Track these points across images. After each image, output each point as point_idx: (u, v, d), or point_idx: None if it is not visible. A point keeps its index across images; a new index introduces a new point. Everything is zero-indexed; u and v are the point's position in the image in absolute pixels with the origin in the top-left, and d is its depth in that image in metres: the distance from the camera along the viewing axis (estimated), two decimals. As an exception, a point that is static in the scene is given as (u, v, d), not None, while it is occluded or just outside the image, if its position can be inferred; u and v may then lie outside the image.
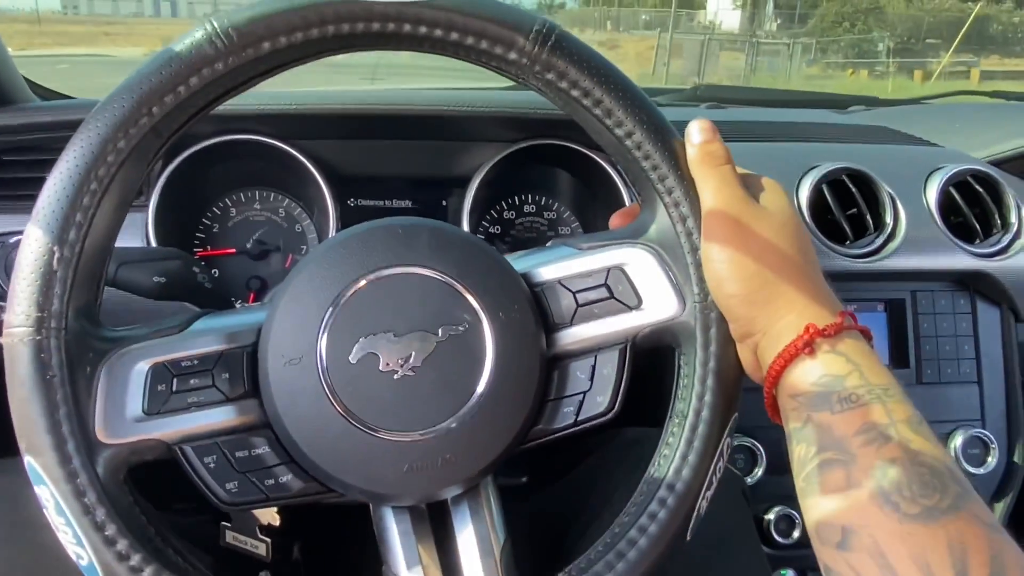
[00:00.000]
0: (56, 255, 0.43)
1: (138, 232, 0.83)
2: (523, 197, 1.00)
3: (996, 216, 0.94)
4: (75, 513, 0.43)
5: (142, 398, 0.46)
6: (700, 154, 0.48)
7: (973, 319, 0.94)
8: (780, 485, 0.88)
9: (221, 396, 0.48)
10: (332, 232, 0.90)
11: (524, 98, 0.93)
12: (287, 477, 0.49)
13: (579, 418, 0.51)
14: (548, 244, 0.55)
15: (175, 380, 0.47)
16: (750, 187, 0.49)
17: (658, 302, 0.50)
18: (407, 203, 0.97)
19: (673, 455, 0.48)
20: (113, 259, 0.51)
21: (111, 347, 0.47)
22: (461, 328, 0.48)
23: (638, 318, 0.51)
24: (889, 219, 0.90)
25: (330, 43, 0.45)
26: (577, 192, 0.99)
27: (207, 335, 0.49)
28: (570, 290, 0.51)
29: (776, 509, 0.89)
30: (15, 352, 0.43)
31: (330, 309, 0.47)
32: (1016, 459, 0.92)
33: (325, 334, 0.47)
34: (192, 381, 0.47)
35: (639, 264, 0.51)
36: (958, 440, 0.90)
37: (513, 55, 0.46)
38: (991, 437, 0.91)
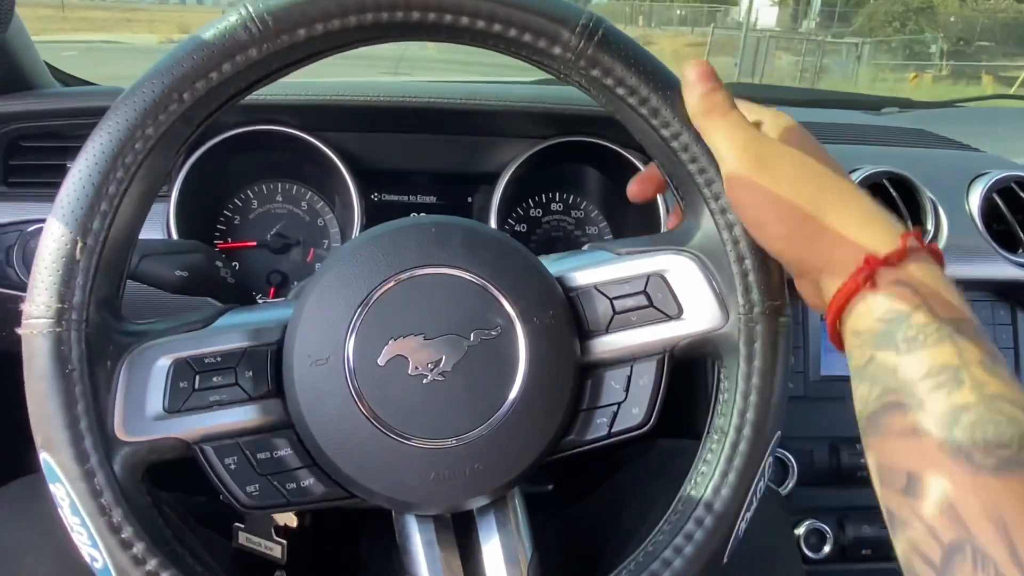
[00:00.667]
0: (79, 245, 0.42)
1: (159, 223, 0.82)
2: (551, 195, 0.97)
3: (1041, 225, 0.91)
4: (91, 513, 0.41)
5: (163, 395, 0.45)
6: (705, 104, 0.44)
7: (1014, 331, 0.91)
8: (811, 498, 0.86)
9: (244, 395, 0.46)
10: (356, 226, 0.88)
11: (554, 93, 0.91)
12: (309, 481, 0.47)
13: (612, 430, 0.49)
14: (584, 248, 0.53)
15: (197, 377, 0.46)
16: (760, 124, 0.46)
17: (700, 312, 0.48)
18: (432, 199, 0.95)
19: (712, 473, 0.46)
20: (135, 251, 0.49)
21: (132, 341, 0.45)
22: (494, 333, 0.47)
23: (678, 328, 0.49)
24: (931, 226, 0.87)
25: (367, 32, 0.43)
26: (606, 191, 0.96)
27: (231, 331, 0.47)
28: (607, 296, 0.49)
29: (807, 523, 0.86)
30: (34, 344, 0.42)
31: (359, 309, 0.46)
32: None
33: (353, 335, 0.45)
34: (215, 379, 0.46)
35: (681, 272, 0.49)
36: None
37: (557, 50, 0.44)
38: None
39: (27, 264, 0.68)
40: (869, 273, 0.38)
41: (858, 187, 0.43)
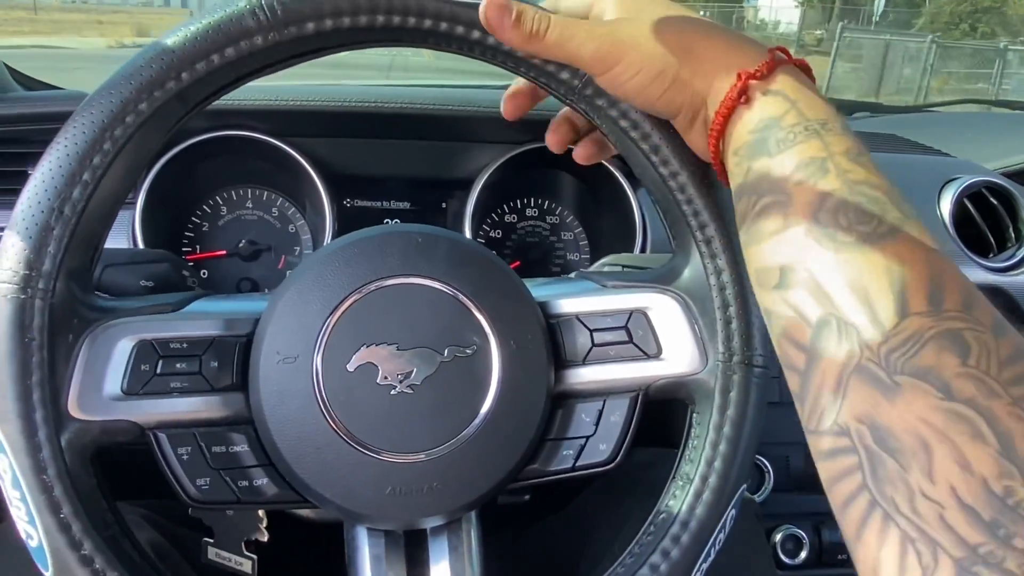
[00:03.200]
0: (55, 213, 0.40)
1: (124, 231, 0.80)
2: (526, 201, 0.97)
3: (1011, 230, 0.92)
4: (31, 489, 0.40)
5: (123, 376, 0.44)
6: (522, 31, 0.41)
7: (985, 335, 0.92)
8: (787, 503, 0.86)
9: (207, 385, 0.45)
10: (328, 233, 0.87)
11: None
12: (262, 481, 0.46)
13: (578, 463, 0.49)
14: (572, 275, 0.53)
15: (161, 362, 0.45)
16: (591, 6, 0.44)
17: (678, 354, 0.48)
18: (406, 205, 0.94)
19: (672, 520, 0.46)
20: (99, 261, 0.48)
21: (98, 317, 0.44)
22: (468, 351, 0.46)
23: (655, 368, 0.48)
24: (903, 231, 0.88)
25: (376, 33, 0.43)
26: (581, 197, 0.96)
27: (202, 318, 0.46)
28: (588, 328, 0.49)
29: (783, 528, 0.86)
30: None
31: (334, 311, 0.45)
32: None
33: (326, 336, 0.45)
34: (178, 365, 0.45)
35: (664, 311, 0.49)
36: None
37: (565, 75, 0.44)
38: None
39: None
40: (743, 88, 0.39)
41: (713, 20, 0.43)
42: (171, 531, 0.70)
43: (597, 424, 0.48)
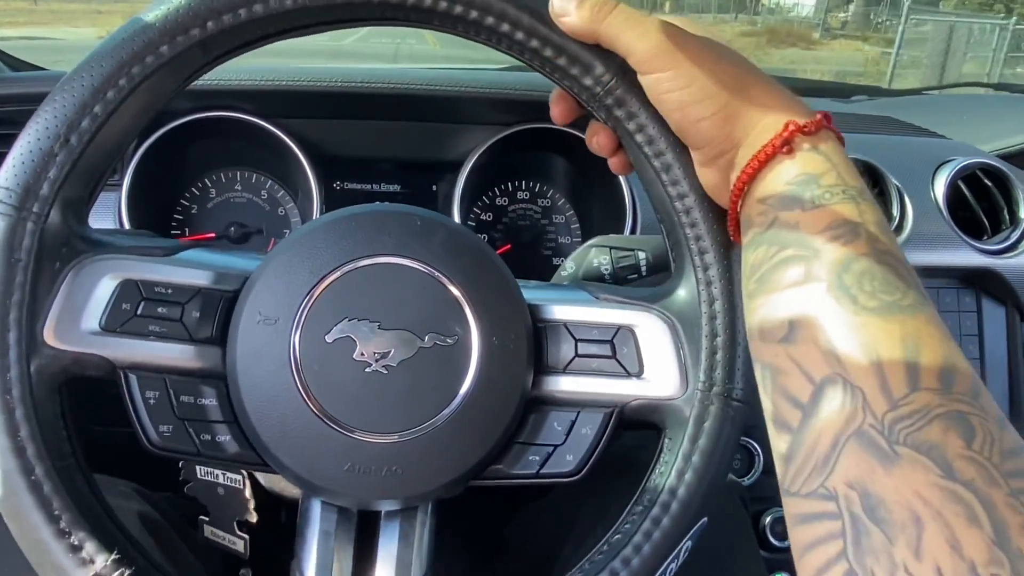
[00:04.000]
0: (60, 140, 0.41)
1: (111, 213, 0.79)
2: (517, 183, 0.96)
3: (1005, 212, 0.91)
4: None
5: (103, 311, 0.44)
6: (592, 11, 0.41)
7: (978, 318, 0.91)
8: (776, 487, 0.86)
9: (185, 334, 0.45)
10: (316, 215, 0.86)
11: (519, 79, 0.89)
12: (225, 437, 0.46)
13: (542, 470, 0.48)
14: (566, 282, 0.52)
15: (143, 303, 0.44)
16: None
17: (659, 377, 0.47)
18: (396, 187, 0.93)
19: (627, 541, 0.45)
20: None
21: (88, 250, 0.44)
22: (449, 340, 0.45)
23: (634, 387, 0.48)
24: (896, 212, 0.87)
25: (409, 12, 0.43)
26: (572, 179, 0.95)
27: (192, 267, 0.46)
28: (573, 337, 0.48)
29: (773, 511, 0.86)
30: None
31: (322, 281, 0.45)
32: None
33: (309, 304, 0.44)
34: (160, 309, 0.45)
35: (652, 332, 0.48)
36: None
37: (588, 80, 0.44)
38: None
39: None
40: (788, 138, 0.38)
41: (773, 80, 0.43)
42: (163, 507, 0.70)
43: (568, 434, 0.48)
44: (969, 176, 0.91)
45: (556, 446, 0.48)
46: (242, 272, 0.46)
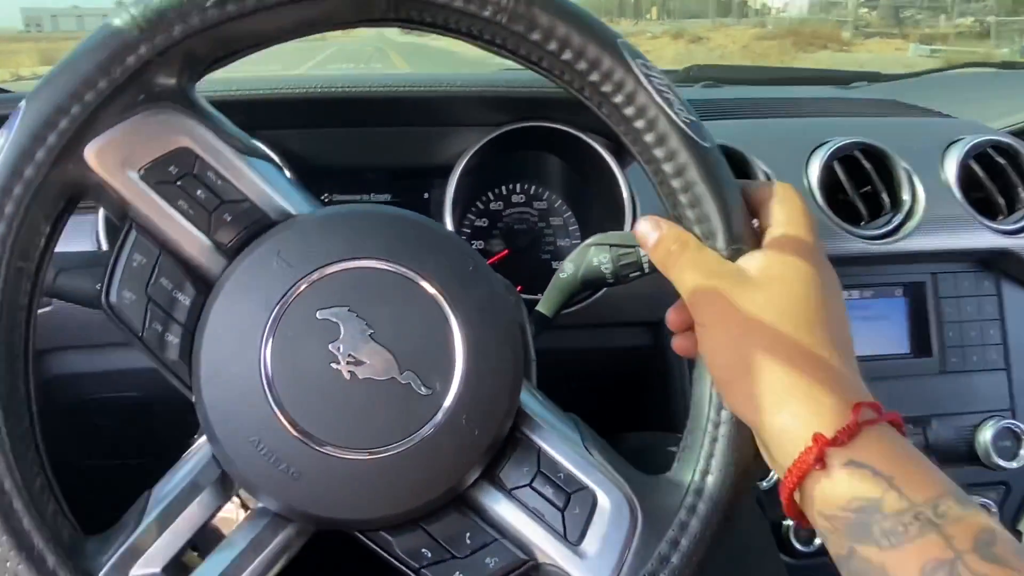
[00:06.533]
0: None
1: (88, 235, 0.76)
2: (511, 186, 0.93)
3: (1020, 190, 0.87)
4: None
5: (150, 161, 0.44)
6: (662, 251, 0.43)
7: (999, 301, 0.88)
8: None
9: (206, 227, 0.44)
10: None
11: (507, 77, 0.87)
12: (172, 339, 0.44)
13: (425, 570, 0.45)
14: (569, 413, 0.50)
15: (187, 177, 0.44)
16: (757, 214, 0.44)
17: (593, 558, 0.44)
18: (387, 197, 0.90)
19: None
20: (51, 266, 0.46)
21: (179, 102, 0.44)
22: (422, 390, 0.43)
23: (561, 554, 0.45)
24: (907, 196, 0.84)
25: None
26: (569, 179, 0.92)
27: (256, 176, 0.45)
28: (538, 467, 0.46)
29: (795, 515, 0.82)
30: None
31: (350, 260, 0.43)
32: (1051, 450, 0.86)
33: (326, 273, 0.43)
34: (198, 192, 0.44)
35: (613, 512, 0.45)
36: (988, 432, 0.84)
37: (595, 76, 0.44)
38: (1022, 428, 0.85)
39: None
40: (818, 455, 0.35)
41: (830, 337, 0.39)
42: None
43: (471, 554, 0.45)
44: (980, 155, 0.88)
45: (454, 557, 0.45)
46: (291, 211, 0.45)
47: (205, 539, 0.53)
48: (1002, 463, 0.84)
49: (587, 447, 0.47)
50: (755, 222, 0.46)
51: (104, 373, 0.75)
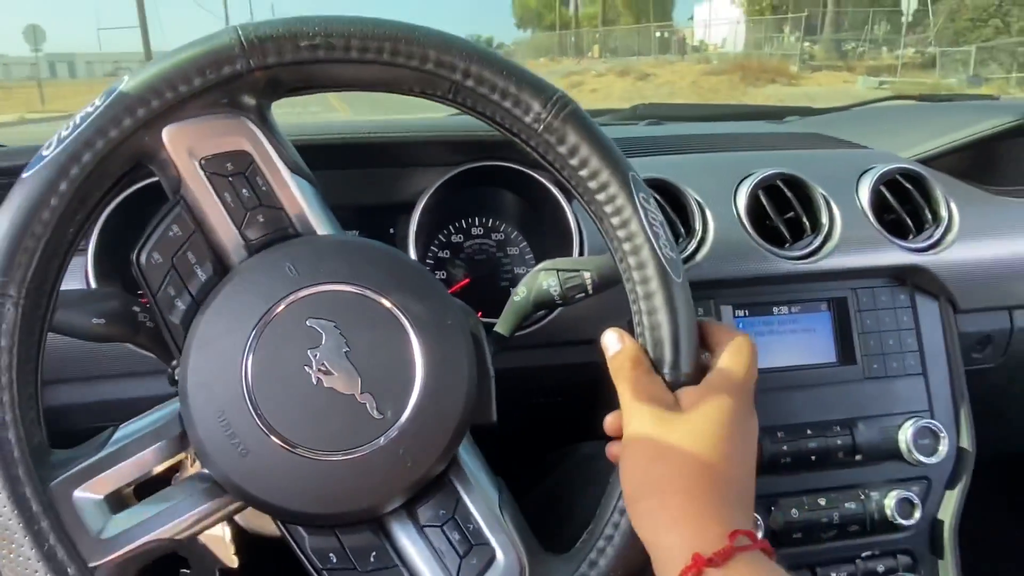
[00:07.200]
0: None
1: (78, 275, 0.82)
2: (470, 220, 1.00)
3: (927, 212, 0.97)
4: None
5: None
6: (617, 363, 0.49)
7: (913, 312, 0.96)
8: (781, 485, 0.89)
9: (242, 218, 0.50)
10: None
11: (460, 122, 0.94)
12: (181, 305, 0.50)
13: (326, 570, 0.50)
14: (504, 492, 0.54)
15: (250, 168, 0.52)
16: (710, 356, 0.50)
17: None
18: (355, 232, 0.97)
19: None
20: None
21: None
22: (375, 414, 0.47)
23: None
24: (825, 220, 0.93)
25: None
26: (522, 212, 1.00)
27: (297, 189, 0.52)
28: (454, 516, 0.50)
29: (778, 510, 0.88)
30: None
31: (349, 284, 0.48)
32: (965, 445, 0.94)
33: (326, 287, 0.48)
34: (244, 192, 0.51)
35: (502, 567, 0.50)
36: (908, 432, 0.92)
37: (528, 118, 0.50)
38: (940, 426, 0.93)
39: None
40: (696, 572, 0.40)
41: (735, 474, 0.45)
42: None
43: (370, 572, 0.49)
44: (891, 182, 0.97)
45: (355, 569, 0.49)
46: (315, 229, 0.52)
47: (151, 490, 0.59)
48: (923, 459, 0.91)
49: (502, 510, 0.51)
50: (706, 355, 0.51)
51: (95, 404, 0.80)
